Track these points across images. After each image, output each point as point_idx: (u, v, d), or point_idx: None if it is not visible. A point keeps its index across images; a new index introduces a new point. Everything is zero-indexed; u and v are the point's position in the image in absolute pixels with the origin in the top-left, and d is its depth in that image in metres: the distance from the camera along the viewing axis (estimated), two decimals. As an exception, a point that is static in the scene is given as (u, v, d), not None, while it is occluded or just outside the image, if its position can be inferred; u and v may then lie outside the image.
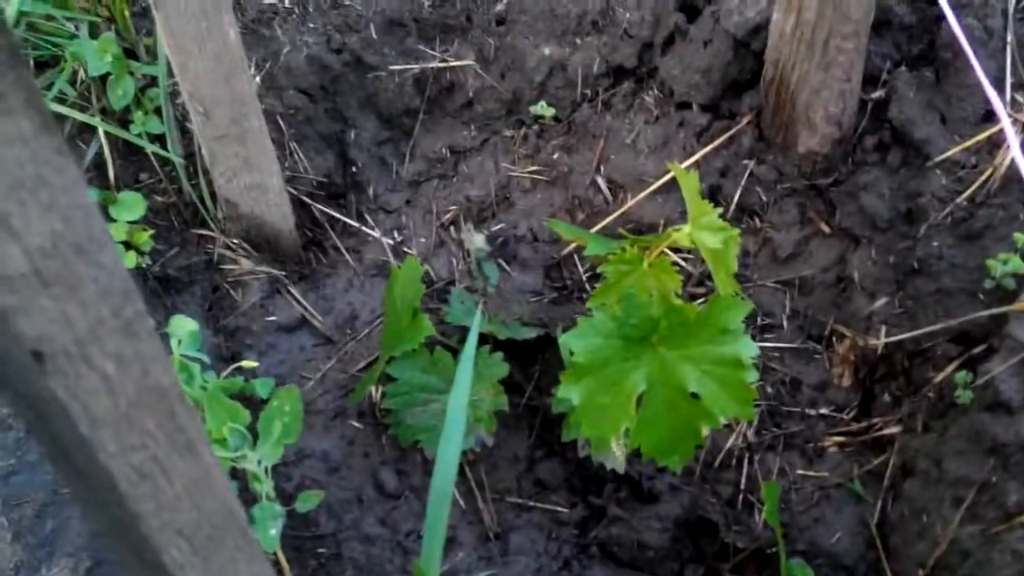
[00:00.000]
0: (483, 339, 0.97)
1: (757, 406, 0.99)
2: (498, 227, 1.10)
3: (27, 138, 0.29)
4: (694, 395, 0.77)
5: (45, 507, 0.76)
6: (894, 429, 0.93)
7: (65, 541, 0.75)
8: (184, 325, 0.84)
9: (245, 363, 0.89)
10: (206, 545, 0.43)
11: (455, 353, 0.94)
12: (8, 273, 0.28)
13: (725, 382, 0.77)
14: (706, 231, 0.78)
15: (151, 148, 0.99)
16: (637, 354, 0.73)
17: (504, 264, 1.08)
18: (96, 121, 0.99)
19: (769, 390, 1.00)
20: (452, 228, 1.10)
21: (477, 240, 1.09)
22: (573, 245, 1.06)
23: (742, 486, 0.97)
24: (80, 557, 0.74)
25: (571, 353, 0.78)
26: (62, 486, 0.73)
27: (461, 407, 0.69)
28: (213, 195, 1.01)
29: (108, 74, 0.97)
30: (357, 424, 1.00)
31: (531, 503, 0.98)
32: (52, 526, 0.76)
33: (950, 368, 0.90)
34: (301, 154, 1.07)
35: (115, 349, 0.34)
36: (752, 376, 0.76)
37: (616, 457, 0.89)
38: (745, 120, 1.02)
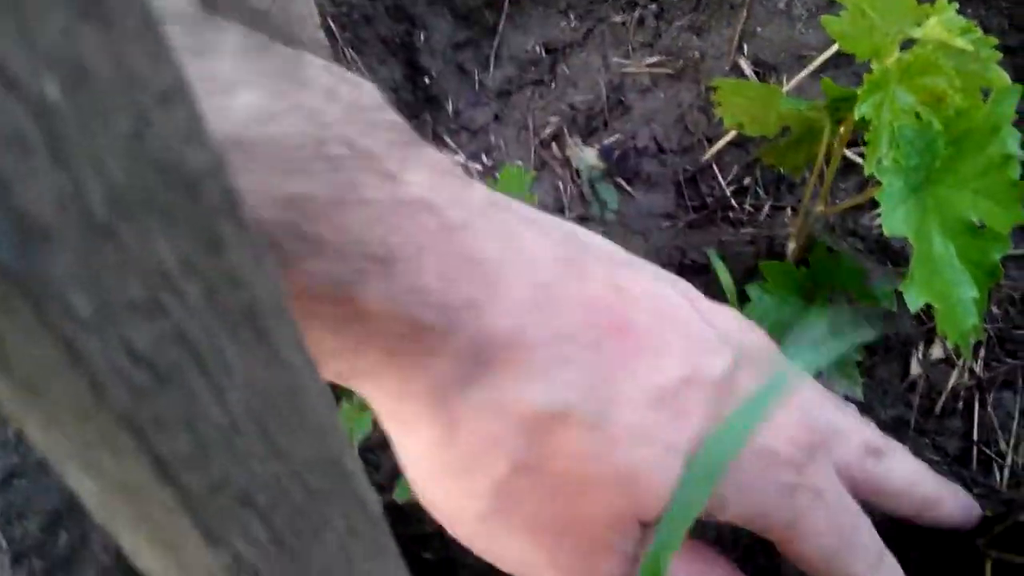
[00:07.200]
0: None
1: (984, 330, 0.75)
2: (612, 139, 0.87)
3: None
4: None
5: (56, 518, 0.55)
6: None
7: (86, 563, 0.54)
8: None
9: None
10: (295, 525, 0.21)
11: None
12: None
13: (995, 191, 0.53)
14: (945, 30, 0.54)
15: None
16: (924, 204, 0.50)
17: (624, 184, 0.85)
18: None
19: (995, 311, 0.76)
20: (555, 145, 0.87)
21: (587, 157, 0.86)
22: (713, 151, 0.83)
23: (975, 436, 0.73)
24: (108, 584, 0.53)
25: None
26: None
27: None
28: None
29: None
30: (459, 393, 0.77)
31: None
32: (66, 542, 0.54)
33: None
34: (360, 63, 0.85)
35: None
36: (1017, 170, 0.52)
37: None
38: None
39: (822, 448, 0.44)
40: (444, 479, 0.37)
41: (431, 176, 0.36)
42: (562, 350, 0.37)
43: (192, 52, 0.30)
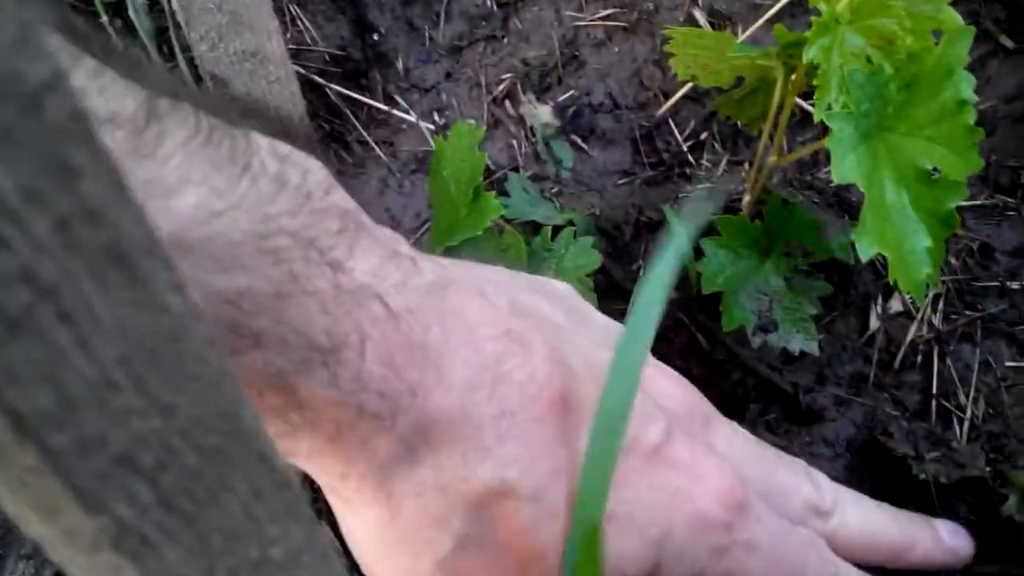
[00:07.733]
0: (559, 229, 0.73)
1: (942, 282, 0.74)
2: (567, 95, 0.85)
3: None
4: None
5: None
6: None
7: (24, 539, 0.52)
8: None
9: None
10: (187, 487, 0.20)
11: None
12: None
13: (950, 138, 0.51)
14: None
15: (107, 19, 0.75)
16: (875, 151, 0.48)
17: (579, 141, 0.84)
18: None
19: (953, 262, 0.75)
20: (508, 102, 0.85)
21: (542, 114, 0.84)
22: (669, 106, 0.82)
23: (934, 390, 0.72)
24: (44, 559, 0.51)
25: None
26: None
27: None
28: (199, 79, 0.77)
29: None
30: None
31: (653, 438, 0.74)
32: (3, 520, 0.52)
33: None
34: (306, 21, 0.82)
35: None
36: (972, 115, 0.51)
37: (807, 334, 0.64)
38: (887, -91, 0.76)
39: (753, 504, 0.45)
40: (388, 557, 0.38)
41: (378, 261, 0.36)
42: (504, 427, 0.37)
43: (137, 155, 0.30)
